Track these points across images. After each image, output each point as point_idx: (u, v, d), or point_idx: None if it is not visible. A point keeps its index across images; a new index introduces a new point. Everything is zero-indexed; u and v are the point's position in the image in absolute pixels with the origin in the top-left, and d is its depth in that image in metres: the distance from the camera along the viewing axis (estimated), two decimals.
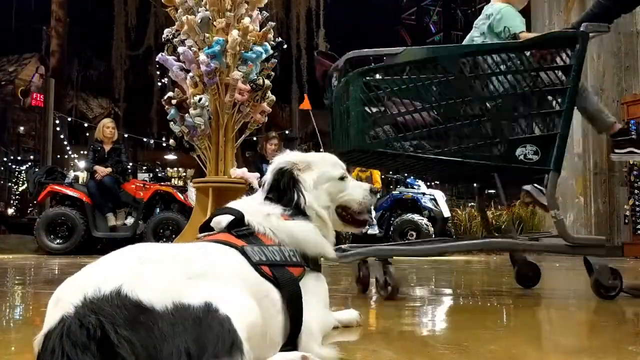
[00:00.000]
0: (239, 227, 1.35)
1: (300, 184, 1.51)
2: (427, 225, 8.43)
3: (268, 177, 1.55)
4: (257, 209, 1.43)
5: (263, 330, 1.10)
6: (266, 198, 1.50)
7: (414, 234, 8.42)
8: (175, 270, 1.01)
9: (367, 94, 2.51)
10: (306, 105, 9.19)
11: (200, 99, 4.33)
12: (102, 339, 0.84)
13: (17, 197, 18.07)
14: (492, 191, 4.93)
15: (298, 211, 1.47)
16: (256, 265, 1.22)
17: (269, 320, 1.17)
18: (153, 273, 0.97)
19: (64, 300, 0.90)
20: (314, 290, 1.39)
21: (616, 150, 3.02)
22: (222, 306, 0.95)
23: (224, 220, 1.40)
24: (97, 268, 1.00)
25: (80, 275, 0.98)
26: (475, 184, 3.67)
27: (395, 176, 9.40)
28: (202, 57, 4.28)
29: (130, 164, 12.45)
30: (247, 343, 0.94)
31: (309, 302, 1.32)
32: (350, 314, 1.80)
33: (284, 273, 1.27)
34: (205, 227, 1.45)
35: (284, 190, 1.49)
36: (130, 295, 0.89)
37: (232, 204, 1.47)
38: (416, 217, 8.54)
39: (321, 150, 8.28)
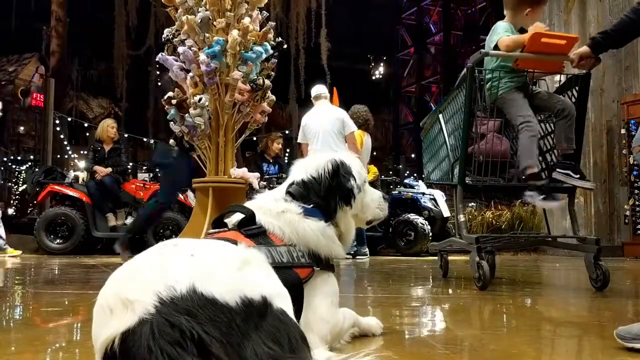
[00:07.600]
0: (250, 226, 1.32)
1: (353, 190, 1.47)
2: (424, 225, 8.42)
3: (309, 170, 1.48)
4: (272, 206, 1.40)
5: None
6: (288, 192, 1.44)
7: (412, 234, 8.42)
8: (225, 264, 1.02)
9: None
10: (336, 102, 8.54)
11: (200, 99, 4.33)
12: (193, 338, 0.83)
13: (17, 197, 18.05)
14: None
15: (320, 210, 1.42)
16: None
17: None
18: (213, 268, 0.98)
19: (137, 301, 0.86)
20: (321, 289, 1.37)
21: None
22: (275, 299, 1.00)
23: (236, 217, 1.38)
24: (149, 265, 0.97)
25: (134, 275, 0.95)
26: None
27: (393, 177, 9.39)
28: (202, 57, 4.28)
29: (130, 164, 12.44)
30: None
31: (313, 301, 1.31)
32: (371, 321, 1.66)
33: (288, 275, 1.25)
34: (219, 223, 1.42)
35: (330, 193, 1.44)
36: (205, 293, 0.89)
37: (253, 201, 1.44)
38: (412, 216, 8.52)
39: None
